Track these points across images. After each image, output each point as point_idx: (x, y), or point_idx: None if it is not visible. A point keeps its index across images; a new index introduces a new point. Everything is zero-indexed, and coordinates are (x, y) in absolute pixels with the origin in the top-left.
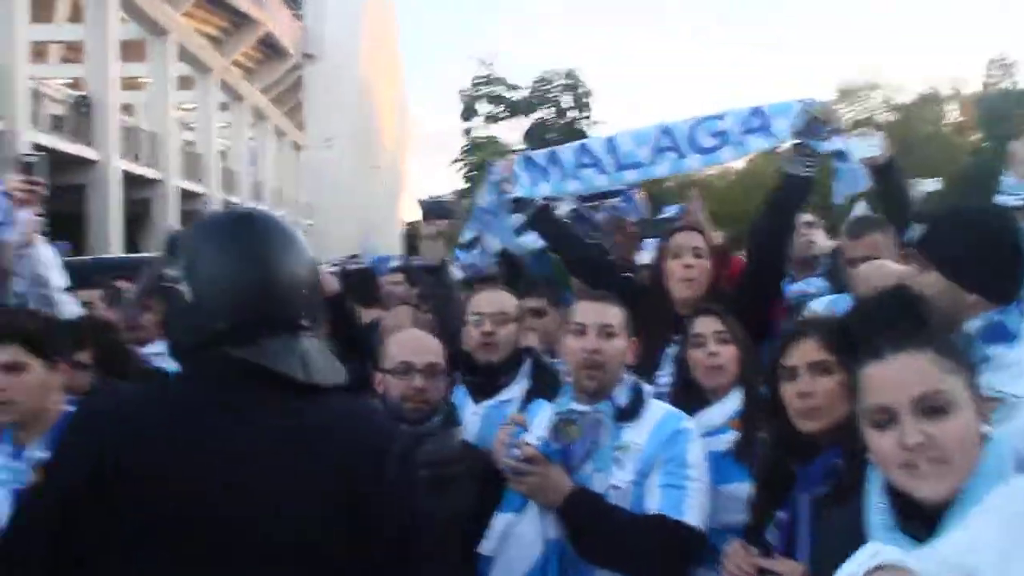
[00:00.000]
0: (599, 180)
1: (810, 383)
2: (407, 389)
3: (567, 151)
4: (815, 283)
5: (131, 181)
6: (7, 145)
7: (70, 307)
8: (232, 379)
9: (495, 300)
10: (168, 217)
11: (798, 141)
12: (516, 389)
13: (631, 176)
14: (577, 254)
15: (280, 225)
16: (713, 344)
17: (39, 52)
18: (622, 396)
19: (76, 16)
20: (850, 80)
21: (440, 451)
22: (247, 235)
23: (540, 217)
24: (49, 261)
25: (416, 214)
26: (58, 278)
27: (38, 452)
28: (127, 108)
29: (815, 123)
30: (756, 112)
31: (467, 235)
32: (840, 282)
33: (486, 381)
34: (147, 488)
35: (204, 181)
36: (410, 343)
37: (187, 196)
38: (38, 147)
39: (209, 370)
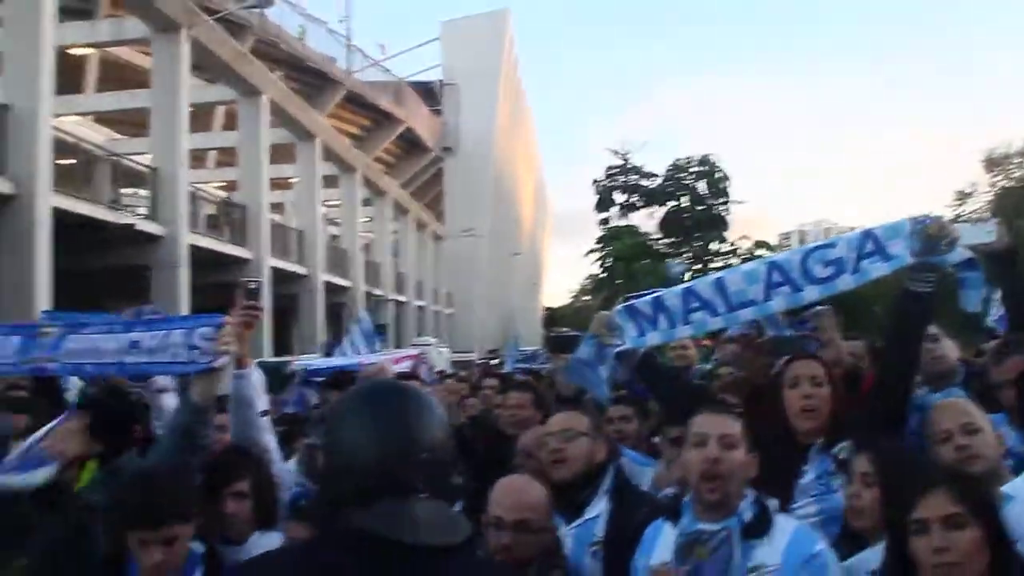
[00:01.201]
0: (712, 322)
1: (944, 538)
2: (496, 544)
3: (672, 297)
4: (955, 393)
5: (280, 277)
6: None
7: (269, 436)
8: (352, 544)
9: (562, 419)
10: (315, 310)
11: (917, 261)
12: (600, 505)
13: (746, 314)
14: (682, 404)
15: (413, 394)
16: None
17: (197, 158)
18: (747, 511)
19: (231, 124)
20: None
21: None
22: (378, 405)
23: (645, 365)
24: (260, 385)
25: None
26: (263, 403)
27: None
28: (276, 207)
29: (931, 240)
30: (868, 235)
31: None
32: (979, 390)
33: (564, 498)
34: None
35: (349, 275)
36: (507, 496)
37: (332, 290)
38: (195, 248)
39: (334, 535)
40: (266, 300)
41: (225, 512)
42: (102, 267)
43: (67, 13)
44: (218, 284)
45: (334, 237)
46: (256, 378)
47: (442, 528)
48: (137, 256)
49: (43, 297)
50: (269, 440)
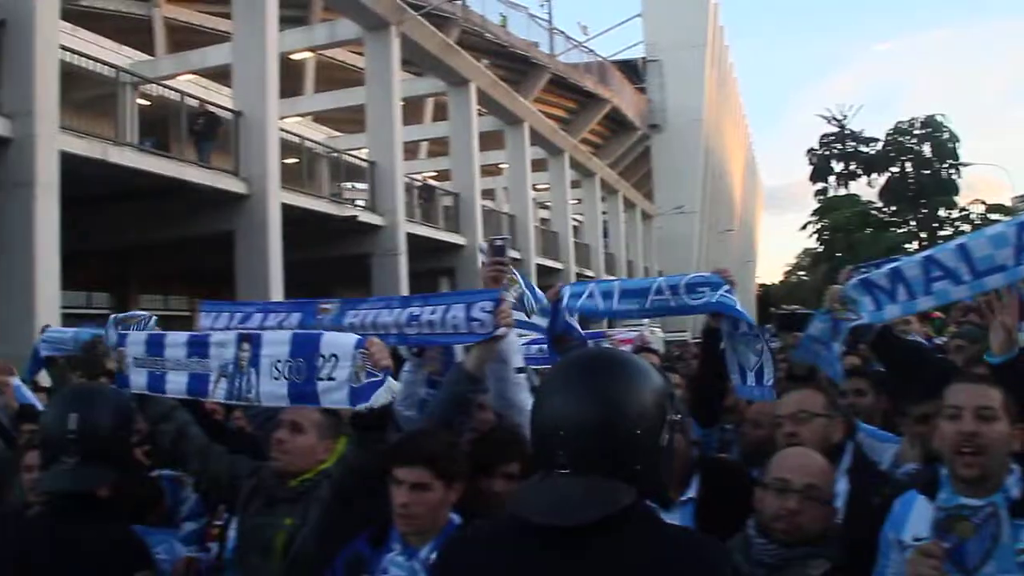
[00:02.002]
0: (957, 292)
1: None
2: (777, 510)
3: (912, 267)
4: None
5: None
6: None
7: (525, 394)
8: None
9: (796, 399)
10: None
11: None
12: (839, 485)
13: (994, 281)
14: (925, 379)
15: (607, 364)
16: None
17: (410, 150)
18: (1014, 488)
19: (440, 115)
20: None
21: None
22: (567, 376)
23: (882, 340)
24: (515, 343)
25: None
26: (518, 360)
27: (425, 553)
28: (487, 193)
29: None
30: None
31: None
32: None
33: None
34: None
35: (560, 257)
36: (792, 460)
37: (544, 272)
38: (412, 237)
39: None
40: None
41: (493, 491)
42: (328, 257)
43: (285, 21)
44: (433, 270)
45: (544, 220)
46: (511, 336)
47: (586, 506)
48: (359, 245)
49: (277, 285)
50: (526, 399)
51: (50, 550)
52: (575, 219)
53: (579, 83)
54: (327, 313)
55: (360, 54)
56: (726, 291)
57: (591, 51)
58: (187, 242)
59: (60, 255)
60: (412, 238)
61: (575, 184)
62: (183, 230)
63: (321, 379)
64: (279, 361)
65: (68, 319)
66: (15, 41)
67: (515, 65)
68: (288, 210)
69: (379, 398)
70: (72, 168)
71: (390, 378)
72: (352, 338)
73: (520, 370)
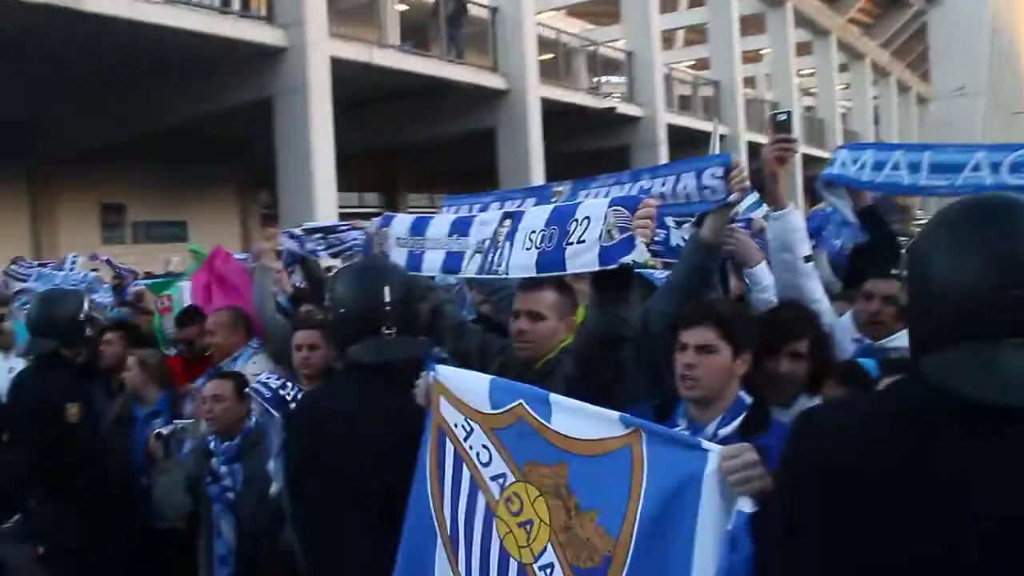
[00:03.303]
0: None
1: None
2: None
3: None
4: None
5: (756, 152)
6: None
7: (814, 282)
8: (924, 397)
9: None
10: (795, 185)
11: None
12: None
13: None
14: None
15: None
16: None
17: (667, 39)
18: None
19: (696, 2)
20: None
21: None
22: (981, 226)
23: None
24: (800, 227)
25: None
26: (805, 247)
27: (713, 428)
28: (748, 81)
29: None
30: None
31: None
32: None
33: None
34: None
35: (827, 146)
36: None
37: (810, 162)
38: (672, 127)
39: (905, 390)
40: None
41: (779, 371)
42: (587, 150)
43: None
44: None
45: (809, 108)
46: (795, 219)
47: None
48: (618, 137)
49: (538, 180)
50: (814, 288)
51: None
52: (843, 105)
53: None
54: (560, 196)
55: None
56: None
57: None
58: (450, 140)
59: (334, 157)
60: (671, 128)
61: (843, 68)
62: (446, 128)
63: (571, 243)
64: (533, 232)
65: (343, 218)
66: None
67: None
68: (547, 104)
69: (630, 256)
70: (340, 72)
71: (640, 240)
72: (605, 201)
73: (807, 258)
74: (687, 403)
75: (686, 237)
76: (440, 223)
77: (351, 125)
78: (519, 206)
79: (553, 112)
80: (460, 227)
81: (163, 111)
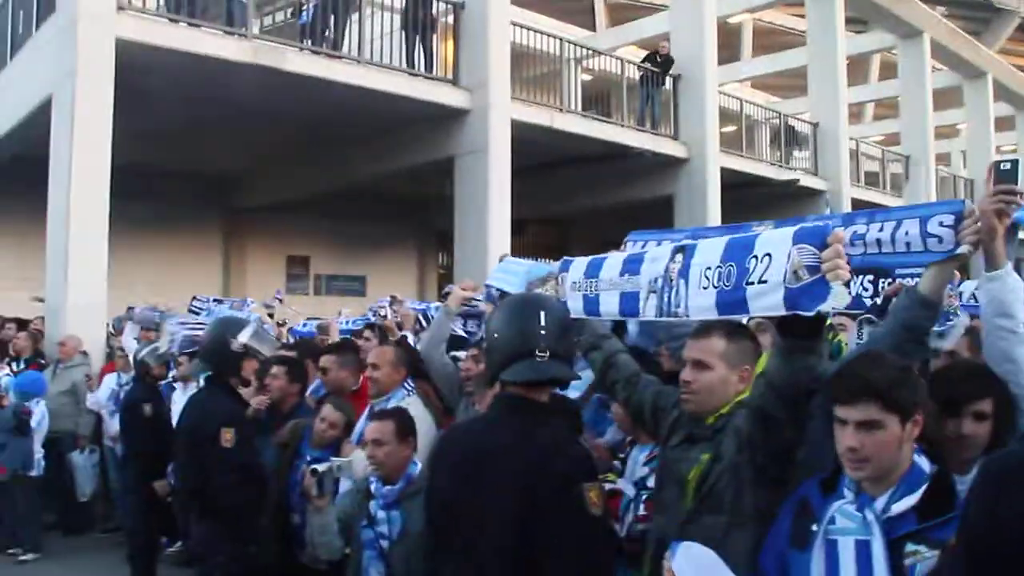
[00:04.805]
0: None
1: None
2: None
3: None
4: None
5: None
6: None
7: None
8: None
9: None
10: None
11: None
12: None
13: None
14: None
15: None
16: None
17: (854, 113)
18: None
19: (887, 74)
20: None
21: None
22: None
23: None
24: (1020, 290)
25: None
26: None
27: (884, 503)
28: (942, 157)
29: None
30: None
31: None
32: None
33: None
34: None
35: None
36: None
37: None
38: (857, 203)
39: None
40: None
41: (962, 433)
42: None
43: None
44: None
45: None
46: (1014, 281)
47: None
48: (801, 211)
49: None
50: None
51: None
52: None
53: None
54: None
55: (799, 16)
56: None
57: None
58: (627, 207)
59: (509, 219)
60: (857, 203)
61: None
62: (623, 195)
63: (751, 283)
64: (708, 268)
65: None
66: (472, 23)
67: (975, 13)
68: (727, 174)
69: (829, 303)
70: (521, 135)
71: (838, 282)
72: (790, 230)
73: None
74: None
75: (867, 286)
76: (613, 263)
77: (529, 190)
78: None
79: (734, 184)
80: (631, 265)
81: (348, 169)
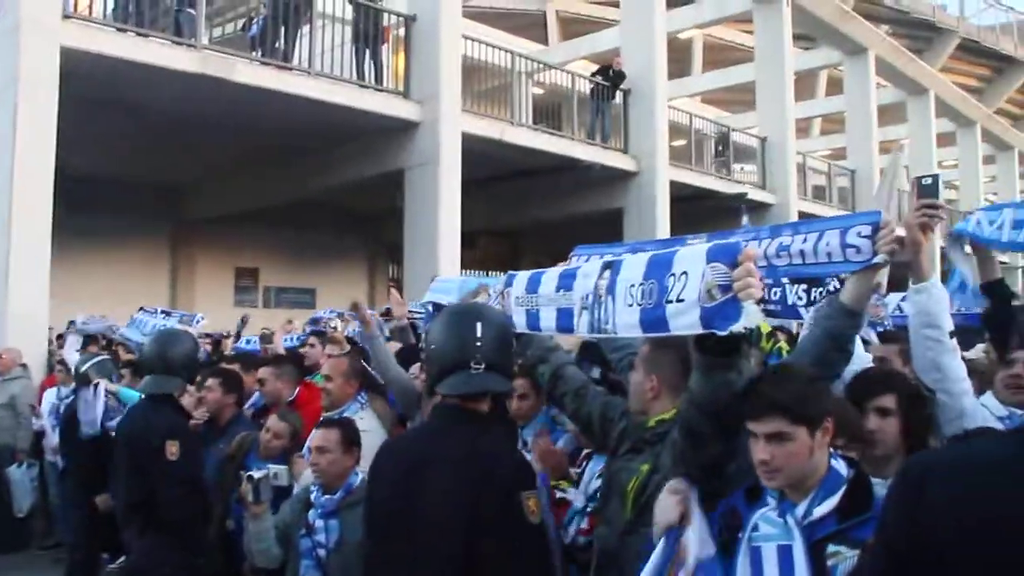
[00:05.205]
0: None
1: None
2: None
3: None
4: None
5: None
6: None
7: (957, 361)
8: None
9: None
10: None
11: None
12: None
13: None
14: None
15: None
16: None
17: (802, 128)
18: None
19: (833, 90)
20: None
21: None
22: None
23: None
24: (942, 302)
25: None
26: (948, 322)
27: (804, 508)
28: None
29: None
30: None
31: None
32: None
33: None
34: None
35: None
36: None
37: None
38: (804, 215)
39: None
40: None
41: (867, 428)
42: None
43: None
44: None
45: (951, 201)
46: (940, 292)
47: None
48: (750, 222)
49: None
50: (959, 366)
51: (452, 451)
52: (988, 199)
53: (994, 47)
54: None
55: (748, 32)
56: None
57: (1010, 9)
58: (577, 220)
59: (459, 232)
60: (805, 216)
61: (988, 159)
62: (573, 208)
63: (670, 301)
64: (632, 285)
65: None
66: (423, 36)
67: (918, 32)
68: (676, 187)
69: (741, 323)
70: (470, 148)
71: (750, 300)
72: (703, 248)
73: (952, 334)
74: None
75: (801, 295)
76: (549, 278)
77: (478, 202)
78: None
79: (683, 197)
80: (565, 281)
81: (298, 180)
